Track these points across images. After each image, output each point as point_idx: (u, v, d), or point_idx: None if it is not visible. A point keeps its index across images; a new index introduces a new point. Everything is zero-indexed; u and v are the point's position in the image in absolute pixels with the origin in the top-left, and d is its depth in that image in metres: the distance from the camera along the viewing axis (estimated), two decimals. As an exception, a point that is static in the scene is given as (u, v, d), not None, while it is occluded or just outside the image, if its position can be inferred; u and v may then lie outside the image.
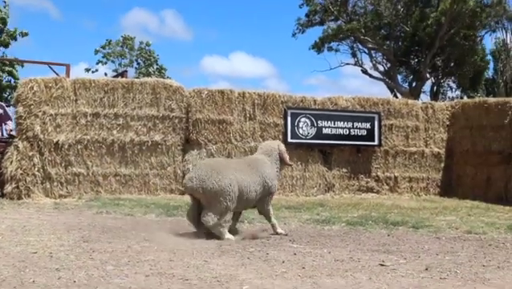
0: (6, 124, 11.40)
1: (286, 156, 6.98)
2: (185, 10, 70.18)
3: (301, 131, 12.44)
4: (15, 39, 25.50)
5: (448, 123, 13.88)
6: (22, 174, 10.46)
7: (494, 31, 30.31)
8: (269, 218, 6.82)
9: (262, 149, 7.01)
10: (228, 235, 6.21)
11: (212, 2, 69.07)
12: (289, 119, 12.37)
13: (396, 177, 13.39)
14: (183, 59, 69.67)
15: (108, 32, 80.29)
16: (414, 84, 30.84)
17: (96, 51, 34.53)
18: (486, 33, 30.48)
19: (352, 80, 60.31)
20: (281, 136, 12.28)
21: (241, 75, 62.56)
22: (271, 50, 68.65)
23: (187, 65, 64.57)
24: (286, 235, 6.63)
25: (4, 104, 11.91)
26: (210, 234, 6.18)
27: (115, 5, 67.27)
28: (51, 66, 15.21)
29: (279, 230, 6.78)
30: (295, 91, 13.89)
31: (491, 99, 13.64)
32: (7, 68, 25.37)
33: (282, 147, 7.03)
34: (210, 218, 6.09)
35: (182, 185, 10.20)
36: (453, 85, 33.27)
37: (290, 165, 7.22)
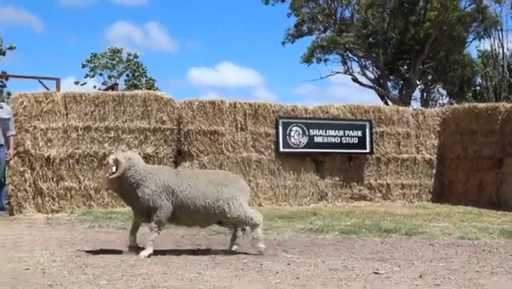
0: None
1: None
2: (169, 23, 70.53)
3: (293, 140, 12.45)
4: (4, 54, 25.45)
5: (439, 129, 13.92)
6: (13, 190, 10.40)
7: (482, 38, 30.61)
8: None
9: None
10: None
11: (195, 14, 69.47)
12: (280, 128, 12.37)
13: (388, 184, 13.40)
14: (170, 71, 69.80)
15: (93, 45, 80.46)
16: (404, 91, 30.99)
17: (84, 65, 34.51)
18: (474, 39, 30.81)
19: (341, 89, 60.63)
20: (273, 146, 12.31)
21: (228, 85, 62.71)
22: (258, 60, 68.91)
23: (174, 77, 64.69)
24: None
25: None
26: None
27: (99, 18, 67.52)
28: (41, 80, 15.19)
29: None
30: (284, 101, 13.85)
31: (481, 105, 13.70)
32: None
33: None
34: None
35: None
36: (443, 91, 33.51)
37: None
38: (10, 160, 10.23)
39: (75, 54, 69.28)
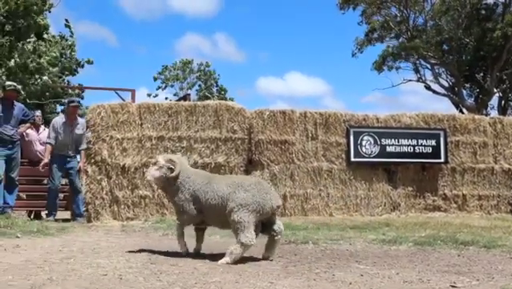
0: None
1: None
2: (237, 33, 71.68)
3: (364, 149, 12.28)
4: (82, 67, 26.63)
5: (518, 138, 13.40)
6: (91, 198, 10.81)
7: None
8: None
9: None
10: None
11: (263, 24, 70.32)
12: (351, 137, 12.25)
13: (464, 195, 12.98)
14: (238, 81, 70.83)
15: (164, 56, 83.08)
16: (480, 99, 29.98)
17: (155, 78, 35.41)
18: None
19: (411, 97, 59.56)
20: (344, 155, 12.20)
21: (296, 94, 62.87)
22: (326, 69, 68.87)
23: (242, 86, 65.67)
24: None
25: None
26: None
27: (168, 30, 69.64)
28: (117, 92, 15.75)
29: None
30: (353, 110, 13.75)
31: None
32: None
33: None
34: None
35: None
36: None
37: None
38: (81, 170, 10.99)
39: (146, 65, 71.67)
